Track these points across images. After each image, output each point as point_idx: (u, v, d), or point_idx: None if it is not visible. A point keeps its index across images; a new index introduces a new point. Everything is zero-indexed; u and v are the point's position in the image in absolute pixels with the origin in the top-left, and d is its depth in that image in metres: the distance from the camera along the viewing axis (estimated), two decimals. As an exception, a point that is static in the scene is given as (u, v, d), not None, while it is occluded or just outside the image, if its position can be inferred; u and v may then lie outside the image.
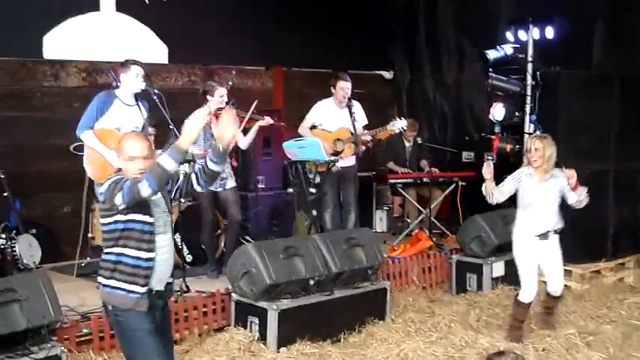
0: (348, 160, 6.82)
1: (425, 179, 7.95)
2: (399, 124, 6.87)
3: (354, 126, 6.67)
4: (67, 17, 7.12)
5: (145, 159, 3.44)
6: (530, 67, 7.37)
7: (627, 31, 7.63)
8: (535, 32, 7.37)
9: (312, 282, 5.37)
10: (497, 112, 7.46)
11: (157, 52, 7.77)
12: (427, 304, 6.30)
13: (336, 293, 5.51)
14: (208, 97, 6.20)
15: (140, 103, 5.76)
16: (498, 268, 6.60)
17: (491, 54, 7.40)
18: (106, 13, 7.39)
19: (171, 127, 5.59)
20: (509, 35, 7.57)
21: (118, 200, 3.31)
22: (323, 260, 5.50)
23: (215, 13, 7.96)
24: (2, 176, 6.10)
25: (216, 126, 3.40)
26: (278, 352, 5.04)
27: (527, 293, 5.27)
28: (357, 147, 6.69)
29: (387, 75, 10.22)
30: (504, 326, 5.53)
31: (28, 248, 6.10)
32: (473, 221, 6.81)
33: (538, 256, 5.26)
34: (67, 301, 5.06)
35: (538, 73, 7.31)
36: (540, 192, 5.20)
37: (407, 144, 8.48)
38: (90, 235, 6.53)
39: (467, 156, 8.96)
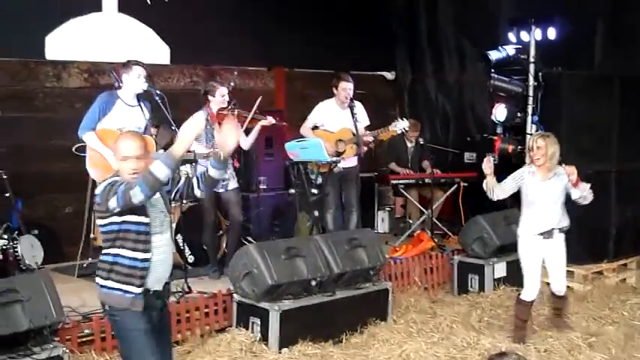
0: (350, 161, 6.82)
1: (427, 180, 7.95)
2: (400, 125, 6.86)
3: (355, 127, 6.67)
4: (69, 18, 7.11)
5: (137, 159, 3.42)
6: (532, 67, 7.35)
7: (627, 31, 7.61)
8: (537, 33, 7.36)
9: (313, 283, 5.37)
10: (500, 112, 7.45)
11: (159, 52, 7.76)
12: (429, 304, 6.30)
13: (338, 294, 5.51)
14: (209, 97, 6.20)
15: (142, 104, 5.76)
16: (500, 269, 6.60)
17: (493, 55, 7.39)
18: (108, 14, 7.38)
19: (173, 127, 5.59)
20: (511, 36, 7.56)
21: (112, 204, 3.31)
22: (325, 261, 5.50)
23: (217, 13, 7.96)
24: (4, 177, 6.10)
25: (219, 131, 3.39)
26: (280, 352, 5.03)
27: (530, 291, 5.27)
28: (359, 148, 6.69)
29: (389, 75, 10.20)
30: (506, 327, 5.54)
31: (30, 249, 6.10)
32: (475, 222, 6.80)
33: (542, 254, 5.26)
34: (69, 301, 5.05)
35: (540, 73, 7.30)
36: (544, 190, 5.19)
37: (409, 145, 8.48)
38: (92, 235, 6.51)
39: (469, 157, 8.94)
